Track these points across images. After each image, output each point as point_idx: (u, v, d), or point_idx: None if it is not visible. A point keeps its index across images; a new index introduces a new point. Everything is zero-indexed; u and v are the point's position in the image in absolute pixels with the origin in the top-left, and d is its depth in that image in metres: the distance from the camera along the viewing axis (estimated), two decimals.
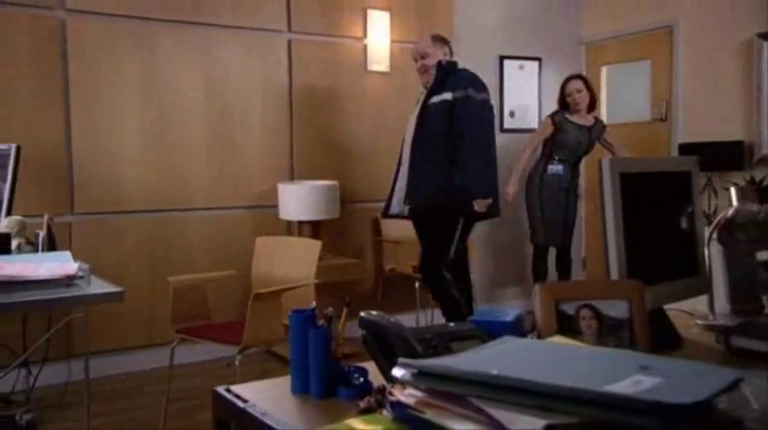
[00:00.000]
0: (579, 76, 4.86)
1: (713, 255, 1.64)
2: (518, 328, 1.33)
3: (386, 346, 1.16)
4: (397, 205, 3.80)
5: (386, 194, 4.87)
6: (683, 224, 1.56)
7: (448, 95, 3.58)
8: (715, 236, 1.59)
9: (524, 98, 5.83)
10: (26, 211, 3.09)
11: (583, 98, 4.73)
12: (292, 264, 3.05)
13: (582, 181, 5.17)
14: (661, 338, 1.47)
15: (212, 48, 4.28)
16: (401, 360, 0.93)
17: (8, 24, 3.67)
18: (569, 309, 1.33)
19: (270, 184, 4.39)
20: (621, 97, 5.96)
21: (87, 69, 3.88)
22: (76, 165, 3.87)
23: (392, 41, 4.98)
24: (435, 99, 3.63)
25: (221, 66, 4.32)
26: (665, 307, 1.62)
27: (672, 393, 0.76)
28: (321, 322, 1.18)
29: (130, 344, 3.98)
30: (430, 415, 0.86)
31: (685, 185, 1.55)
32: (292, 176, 4.59)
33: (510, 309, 1.41)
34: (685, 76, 5.35)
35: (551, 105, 5.96)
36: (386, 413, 0.97)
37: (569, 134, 4.72)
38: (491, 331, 1.26)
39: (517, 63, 5.79)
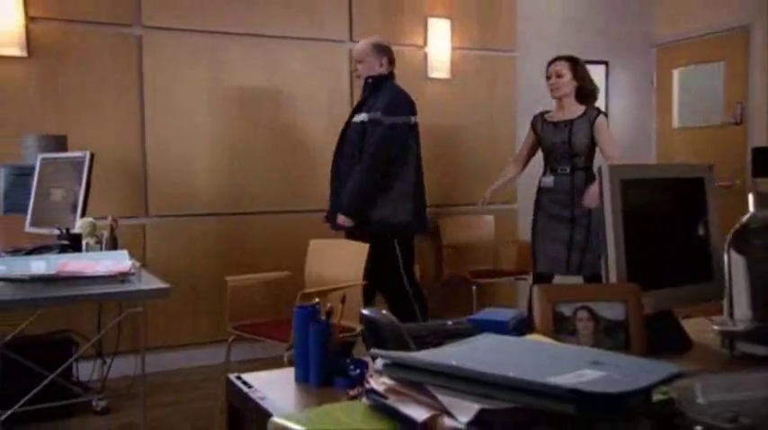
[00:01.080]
0: (568, 58, 3.90)
1: (733, 261, 1.64)
2: (515, 328, 1.39)
3: (381, 341, 1.25)
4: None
5: (445, 200, 4.99)
6: (697, 230, 1.57)
7: (364, 116, 3.55)
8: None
9: None
10: (105, 213, 3.37)
11: (562, 85, 3.82)
12: (342, 265, 3.17)
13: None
14: (668, 341, 1.49)
15: (278, 58, 4.48)
16: (373, 351, 1.02)
17: (91, 41, 3.99)
18: (567, 310, 1.37)
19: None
20: (694, 101, 5.78)
21: (161, 80, 4.16)
22: (150, 170, 4.15)
23: (453, 48, 5.05)
24: (357, 118, 3.61)
25: (286, 75, 4.51)
26: (689, 313, 1.63)
27: (601, 384, 0.82)
28: (322, 317, 1.28)
29: (198, 340, 4.22)
30: (391, 400, 0.95)
31: (698, 192, 1.56)
32: None
33: (513, 310, 1.47)
34: (761, 79, 5.15)
35: (620, 108, 5.89)
36: (365, 400, 1.05)
37: (544, 136, 3.92)
38: (487, 329, 1.32)
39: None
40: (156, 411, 3.45)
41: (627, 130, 5.88)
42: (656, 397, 0.95)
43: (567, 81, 3.81)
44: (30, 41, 3.84)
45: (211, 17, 4.27)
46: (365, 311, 1.31)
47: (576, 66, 3.85)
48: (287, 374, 1.33)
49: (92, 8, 3.98)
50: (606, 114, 3.94)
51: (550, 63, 3.92)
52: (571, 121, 3.81)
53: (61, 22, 3.92)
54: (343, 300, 1.35)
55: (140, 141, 4.13)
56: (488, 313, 1.44)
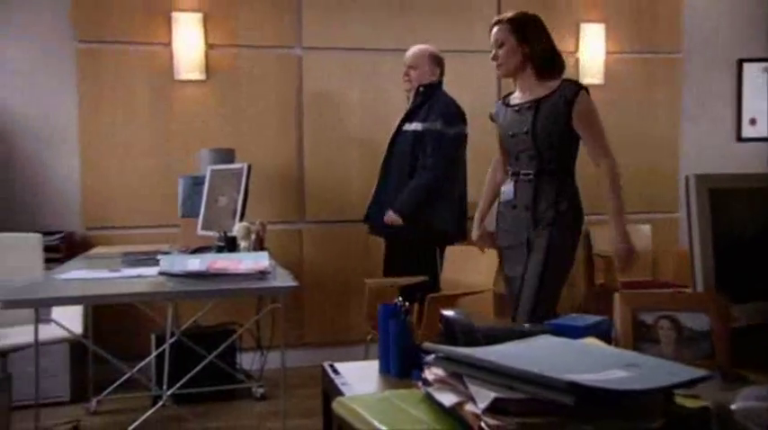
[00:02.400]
0: (510, 19, 2.70)
1: None
2: (593, 334, 1.40)
3: (454, 339, 1.34)
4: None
5: (597, 208, 4.85)
6: None
7: (419, 126, 3.57)
8: None
9: None
10: (264, 218, 3.73)
11: (506, 57, 2.68)
12: (474, 272, 3.25)
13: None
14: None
15: None
16: (425, 345, 1.12)
17: (258, 63, 4.44)
18: (649, 318, 1.37)
19: (475, 198, 4.62)
20: None
21: (318, 95, 4.51)
22: (307, 179, 4.51)
23: (607, 53, 4.92)
24: (408, 126, 3.63)
25: None
26: None
27: (612, 382, 0.86)
28: (401, 315, 1.40)
29: (349, 338, 4.48)
30: (432, 388, 1.05)
31: None
32: None
33: (596, 317, 1.48)
34: None
35: None
36: (423, 389, 1.16)
37: (503, 126, 2.79)
38: (562, 333, 1.36)
39: (761, 66, 5.29)
40: (307, 402, 3.75)
41: None
42: (691, 402, 0.96)
43: (512, 50, 2.67)
44: (208, 66, 4.36)
45: (364, 35, 4.55)
46: (444, 312, 1.40)
47: (522, 28, 2.67)
48: (374, 366, 1.46)
49: (259, 34, 4.42)
50: (588, 90, 2.65)
51: (491, 29, 2.79)
52: (538, 101, 2.64)
53: (234, 47, 4.40)
54: (419, 301, 1.46)
55: (298, 152, 4.50)
56: (569, 318, 1.47)
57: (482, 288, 3.19)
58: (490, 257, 3.26)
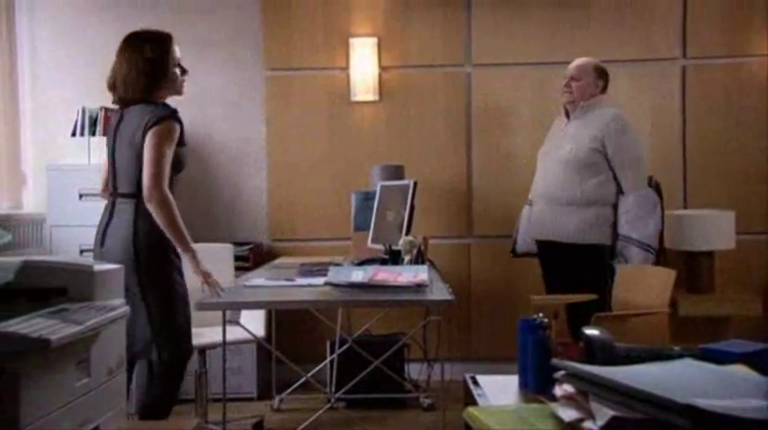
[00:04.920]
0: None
1: None
2: (751, 361, 1.29)
3: (593, 356, 1.31)
4: (524, 243, 3.77)
5: None
6: None
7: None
8: None
9: None
10: (432, 233, 3.88)
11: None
12: (648, 292, 3.08)
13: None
14: None
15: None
16: (554, 361, 1.12)
17: (427, 82, 4.57)
18: None
19: None
20: None
21: (488, 111, 4.54)
22: (475, 195, 4.55)
23: None
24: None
25: (612, 99, 4.40)
26: None
27: (746, 411, 0.81)
28: (539, 330, 1.40)
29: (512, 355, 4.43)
30: (557, 404, 1.05)
31: None
32: (685, 205, 4.49)
33: (760, 345, 1.36)
34: None
35: None
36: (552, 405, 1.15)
37: None
38: (714, 358, 1.28)
39: None
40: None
41: None
42: None
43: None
44: (381, 87, 4.57)
45: (533, 49, 4.51)
46: (586, 330, 1.38)
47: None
48: (515, 380, 1.47)
49: (429, 54, 4.55)
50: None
51: None
52: None
53: (405, 68, 4.58)
54: (555, 316, 1.44)
55: (467, 168, 4.56)
56: (729, 343, 1.37)
57: (656, 309, 3.02)
58: (666, 276, 3.09)
